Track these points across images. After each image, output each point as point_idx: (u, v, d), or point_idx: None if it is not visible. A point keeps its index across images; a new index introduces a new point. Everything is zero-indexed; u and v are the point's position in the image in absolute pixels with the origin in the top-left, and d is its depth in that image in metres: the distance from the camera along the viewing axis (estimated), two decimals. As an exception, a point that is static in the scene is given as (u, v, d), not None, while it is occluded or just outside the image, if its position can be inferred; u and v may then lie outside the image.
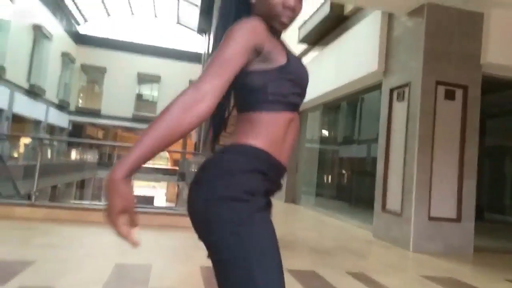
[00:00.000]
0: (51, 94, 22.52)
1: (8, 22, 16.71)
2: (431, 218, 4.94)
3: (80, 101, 27.28)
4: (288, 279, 3.05)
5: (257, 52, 0.96)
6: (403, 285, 3.28)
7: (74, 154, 23.27)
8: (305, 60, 9.65)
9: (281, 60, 1.00)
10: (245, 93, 1.02)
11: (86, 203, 6.91)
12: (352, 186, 10.29)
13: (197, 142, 17.87)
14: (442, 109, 5.07)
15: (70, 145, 23.30)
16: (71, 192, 21.56)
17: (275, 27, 1.04)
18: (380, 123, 5.93)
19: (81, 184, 23.40)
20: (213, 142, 1.11)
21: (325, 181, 10.36)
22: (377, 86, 6.22)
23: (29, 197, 4.68)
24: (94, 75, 27.55)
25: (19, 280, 2.47)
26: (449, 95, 5.11)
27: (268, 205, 1.03)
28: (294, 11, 1.05)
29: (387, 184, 5.59)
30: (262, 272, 0.88)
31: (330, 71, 7.70)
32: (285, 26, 1.05)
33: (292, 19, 1.06)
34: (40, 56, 20.67)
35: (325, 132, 10.36)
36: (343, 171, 10.83)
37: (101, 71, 27.09)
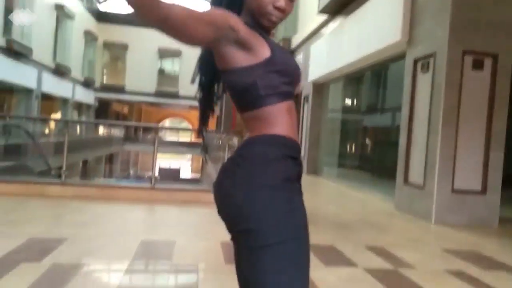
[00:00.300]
0: (77, 72, 23.00)
1: (31, 1, 16.94)
2: (454, 191, 4.86)
3: (105, 78, 27.73)
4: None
5: (233, 33, 0.95)
6: (425, 259, 3.29)
7: (101, 130, 24.03)
8: (326, 31, 9.38)
9: (265, 53, 1.01)
10: (239, 94, 1.04)
11: (113, 181, 7.18)
12: (375, 156, 10.18)
13: (219, 116, 17.98)
14: (469, 79, 4.86)
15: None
16: (100, 166, 22.41)
17: (263, 23, 1.06)
18: (403, 95, 5.77)
19: (110, 158, 24.24)
20: (201, 126, 1.18)
21: (348, 151, 10.27)
22: (401, 56, 6.00)
23: (59, 176, 4.90)
24: (117, 52, 27.81)
25: (53, 257, 2.65)
26: (477, 65, 4.87)
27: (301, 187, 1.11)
28: (284, 12, 1.06)
29: (409, 157, 5.50)
30: (302, 254, 0.98)
31: (352, 42, 7.46)
32: (274, 24, 1.07)
33: (281, 19, 1.07)
34: (64, 35, 21.00)
35: (348, 102, 10.18)
36: (366, 141, 10.70)
37: (123, 47, 27.26)
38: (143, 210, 4.66)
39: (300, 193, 1.08)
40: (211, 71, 1.11)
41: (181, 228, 3.79)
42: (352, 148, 10.49)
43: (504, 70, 4.88)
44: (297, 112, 1.14)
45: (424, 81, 5.27)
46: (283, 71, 1.04)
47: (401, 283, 2.67)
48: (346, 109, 10.14)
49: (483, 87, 4.91)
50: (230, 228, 1.02)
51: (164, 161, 27.08)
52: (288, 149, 1.02)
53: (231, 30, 0.94)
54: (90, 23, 25.33)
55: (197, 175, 27.66)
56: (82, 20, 23.52)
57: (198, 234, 3.69)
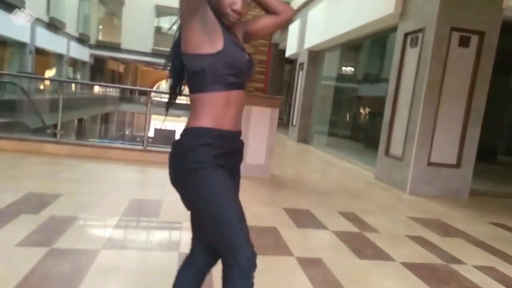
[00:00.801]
0: (71, 27, 22.49)
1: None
2: (430, 164, 5.14)
3: (100, 34, 27.15)
4: (282, 216, 3.41)
5: (210, 16, 1.18)
6: (389, 225, 3.61)
7: (97, 88, 23.88)
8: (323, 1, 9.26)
9: (219, 46, 1.20)
10: (191, 76, 1.26)
11: (106, 141, 7.39)
12: (366, 126, 10.39)
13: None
14: (454, 56, 4.99)
15: (93, 79, 23.79)
16: (95, 125, 22.52)
17: (223, 21, 1.25)
18: (392, 68, 5.90)
19: (105, 118, 24.29)
20: (168, 104, 1.44)
21: (339, 121, 10.48)
22: (394, 29, 6.07)
23: (55, 135, 5.10)
24: (113, 7, 27.05)
25: (50, 210, 2.92)
26: (464, 42, 4.99)
27: (230, 163, 1.33)
28: (240, 14, 1.24)
29: (392, 129, 5.72)
30: (228, 207, 1.22)
31: (348, 11, 7.46)
32: (231, 24, 1.25)
33: (238, 20, 1.26)
34: (57, -13, 20.36)
35: (342, 71, 10.25)
36: (358, 111, 10.87)
37: (119, 2, 26.47)
38: (134, 170, 4.91)
39: (221, 166, 1.27)
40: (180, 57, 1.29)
41: (170, 189, 4.05)
42: (344, 117, 10.68)
43: (488, 48, 5.00)
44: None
45: (412, 55, 5.38)
46: (231, 64, 1.23)
47: (364, 244, 2.98)
48: (340, 79, 10.23)
49: (467, 64, 5.05)
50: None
51: (160, 122, 27.07)
52: (204, 138, 1.24)
53: (209, 12, 1.17)
54: (84, -25, 24.47)
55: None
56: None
57: (185, 195, 3.98)
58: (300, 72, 10.88)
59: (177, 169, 1.28)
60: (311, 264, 2.49)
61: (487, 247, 3.24)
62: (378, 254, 2.81)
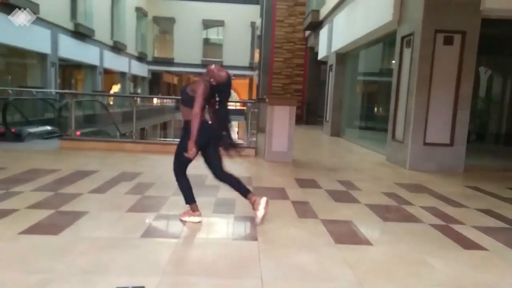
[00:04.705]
0: (131, 47, 25.45)
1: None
2: (426, 144, 6.17)
3: (155, 51, 30.04)
4: (291, 182, 4.76)
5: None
6: (373, 186, 4.81)
7: (155, 100, 26.56)
8: (347, 4, 10.31)
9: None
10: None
11: (167, 139, 9.22)
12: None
13: (258, 85, 19.48)
14: (440, 53, 6.01)
15: (151, 92, 26.55)
16: (155, 132, 25.12)
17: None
18: (394, 67, 6.97)
19: (163, 126, 26.92)
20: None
21: (367, 115, 11.30)
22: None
23: (131, 137, 6.94)
24: (165, 25, 29.79)
25: (138, 180, 4.56)
26: (448, 41, 5.99)
27: (212, 142, 3.07)
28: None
29: (396, 118, 6.79)
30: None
31: (360, 19, 8.60)
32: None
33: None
34: (118, 14, 23.27)
35: (369, 69, 11.08)
36: (385, 105, 11.61)
37: (171, 20, 29.17)
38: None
39: (207, 143, 3.08)
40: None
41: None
42: (375, 110, 11.50)
43: (471, 44, 5.95)
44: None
45: (406, 55, 6.46)
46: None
47: (343, 196, 4.26)
48: (373, 74, 10.94)
49: (453, 59, 6.03)
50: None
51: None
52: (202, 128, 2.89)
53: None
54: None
55: (240, 140, 29.68)
56: (133, -4, 25.63)
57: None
58: (330, 73, 12.05)
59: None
60: (299, 204, 3.85)
61: (444, 198, 4.36)
62: (350, 200, 4.09)
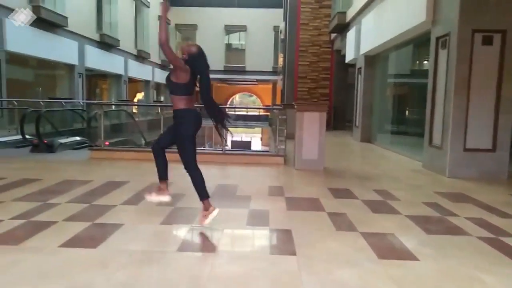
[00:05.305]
0: (154, 56, 25.89)
1: (115, -3, 19.65)
2: (466, 149, 5.86)
3: (178, 59, 30.38)
4: (325, 192, 4.58)
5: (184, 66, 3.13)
6: (412, 196, 4.58)
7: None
8: (375, 5, 10.07)
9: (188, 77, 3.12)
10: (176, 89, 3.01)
11: (204, 149, 9.33)
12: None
13: (283, 90, 19.36)
14: (479, 54, 5.71)
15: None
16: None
17: None
18: (429, 69, 6.69)
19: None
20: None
21: (400, 119, 10.84)
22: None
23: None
24: (187, 32, 30.17)
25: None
26: (487, 41, 5.69)
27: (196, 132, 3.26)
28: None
29: (433, 122, 6.50)
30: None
31: (390, 21, 8.35)
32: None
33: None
34: (142, 23, 23.76)
35: (400, 71, 10.65)
36: (419, 108, 11.09)
37: (193, 27, 29.54)
38: (217, 168, 6.45)
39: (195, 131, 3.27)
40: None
41: (242, 178, 5.49)
42: (404, 114, 11.06)
43: (512, 43, 5.63)
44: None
45: (442, 56, 6.18)
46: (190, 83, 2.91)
47: (381, 206, 4.06)
48: (407, 75, 10.46)
49: (493, 59, 5.72)
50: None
51: (237, 135, 29.34)
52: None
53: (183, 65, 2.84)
54: (163, 8, 27.89)
55: (266, 147, 29.63)
56: (156, 5, 26.03)
57: (253, 181, 5.34)
58: (359, 76, 11.78)
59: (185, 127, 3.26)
60: (336, 216, 3.69)
61: (489, 208, 4.08)
62: (389, 211, 3.89)
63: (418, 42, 8.45)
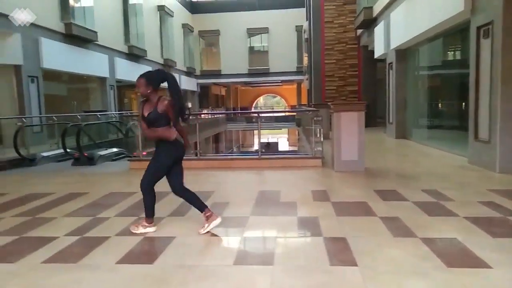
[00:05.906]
0: (180, 63, 26.28)
1: (140, 5, 20.03)
2: (517, 143, 5.53)
3: (203, 65, 30.77)
4: (372, 194, 4.42)
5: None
6: (465, 195, 4.34)
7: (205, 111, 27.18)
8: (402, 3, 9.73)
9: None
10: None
11: (229, 155, 9.20)
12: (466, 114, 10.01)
13: (309, 90, 19.14)
14: (526, 41, 5.37)
15: (201, 106, 27.17)
16: (209, 145, 25.61)
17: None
18: (470, 59, 6.38)
19: (216, 138, 27.42)
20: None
21: (442, 111, 10.33)
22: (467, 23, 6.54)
23: (196, 154, 6.99)
24: (211, 38, 30.46)
25: (212, 199, 4.49)
26: (535, 27, 5.34)
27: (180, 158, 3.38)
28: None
29: (478, 115, 6.18)
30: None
31: (424, 12, 8.04)
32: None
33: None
34: (167, 32, 24.16)
35: (435, 63, 10.21)
36: (458, 100, 10.58)
37: (216, 33, 29.77)
38: (254, 173, 6.40)
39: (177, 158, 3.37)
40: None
41: (283, 183, 5.40)
42: (442, 108, 10.57)
43: None
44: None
45: (485, 46, 5.87)
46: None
47: (436, 208, 3.87)
48: (444, 66, 9.95)
49: (542, 46, 5.37)
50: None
51: (263, 136, 29.42)
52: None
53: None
54: (185, 16, 28.29)
55: (294, 147, 29.52)
56: (179, 14, 26.48)
57: (294, 186, 5.24)
58: (390, 71, 11.44)
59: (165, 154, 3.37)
60: (389, 220, 3.54)
61: (556, 206, 3.80)
62: (445, 213, 3.69)
63: (452, 32, 8.10)
